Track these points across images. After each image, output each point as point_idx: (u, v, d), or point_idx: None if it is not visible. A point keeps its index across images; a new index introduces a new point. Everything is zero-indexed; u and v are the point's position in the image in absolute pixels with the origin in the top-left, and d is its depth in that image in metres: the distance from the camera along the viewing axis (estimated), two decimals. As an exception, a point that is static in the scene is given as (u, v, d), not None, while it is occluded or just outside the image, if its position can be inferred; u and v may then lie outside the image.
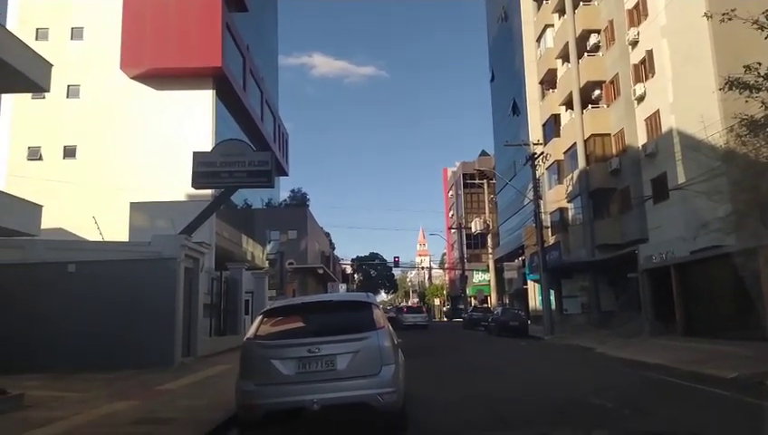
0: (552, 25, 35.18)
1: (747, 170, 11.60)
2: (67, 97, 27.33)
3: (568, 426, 7.37)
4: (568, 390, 10.52)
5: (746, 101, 11.27)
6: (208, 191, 21.79)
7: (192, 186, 17.29)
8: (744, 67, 11.09)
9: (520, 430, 7.32)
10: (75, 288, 13.96)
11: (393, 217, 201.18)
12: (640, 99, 25.33)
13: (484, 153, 67.58)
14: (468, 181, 70.79)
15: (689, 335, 20.25)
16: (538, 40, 37.55)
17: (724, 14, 11.45)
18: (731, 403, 8.73)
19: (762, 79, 10.95)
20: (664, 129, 23.33)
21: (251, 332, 6.66)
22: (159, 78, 26.76)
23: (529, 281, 40.64)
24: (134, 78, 26.97)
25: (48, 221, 18.39)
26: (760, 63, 10.94)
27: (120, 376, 11.86)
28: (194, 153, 17.27)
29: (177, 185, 23.07)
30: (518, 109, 42.37)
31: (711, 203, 12.11)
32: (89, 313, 13.69)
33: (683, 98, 21.67)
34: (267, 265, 35.08)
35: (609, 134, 28.56)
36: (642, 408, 8.49)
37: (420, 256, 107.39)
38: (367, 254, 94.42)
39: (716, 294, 18.64)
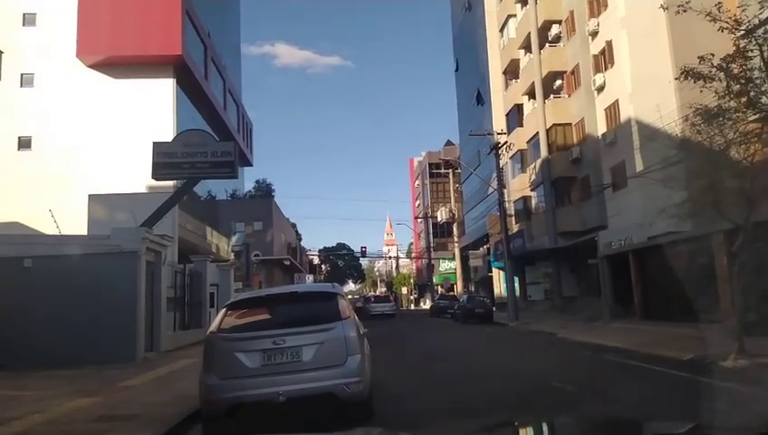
0: (515, 15, 35.47)
1: (702, 158, 11.94)
2: (21, 86, 26.34)
3: (531, 410, 7.53)
4: (531, 374, 10.75)
5: (701, 91, 11.57)
6: (170, 183, 21.36)
7: (152, 177, 16.93)
8: (698, 58, 11.38)
9: (485, 415, 7.44)
10: (32, 284, 13.54)
11: (360, 207, 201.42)
12: (600, 89, 25.82)
13: (449, 143, 67.98)
14: (434, 171, 71.24)
15: (647, 319, 20.87)
16: (501, 30, 37.82)
17: (679, 6, 11.71)
18: (686, 384, 9.04)
19: (715, 69, 11.25)
20: (623, 118, 23.85)
21: (214, 325, 6.60)
22: (118, 66, 26.02)
23: (494, 268, 41.20)
24: (91, 66, 26.15)
25: (2, 215, 17.81)
26: (713, 54, 11.24)
27: (81, 373, 11.59)
28: (154, 143, 16.88)
29: (137, 176, 22.51)
30: (482, 99, 42.70)
31: (667, 190, 12.40)
32: (47, 309, 13.31)
33: (641, 88, 22.16)
34: (233, 257, 34.68)
35: (571, 124, 29.05)
36: (602, 390, 8.73)
37: (387, 245, 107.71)
38: (334, 244, 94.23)
39: (673, 278, 19.19)
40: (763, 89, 11.20)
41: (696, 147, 12.26)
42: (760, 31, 11.48)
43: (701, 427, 2.19)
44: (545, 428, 2.85)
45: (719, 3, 11.56)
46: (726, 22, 11.35)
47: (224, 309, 6.82)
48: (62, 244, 15.31)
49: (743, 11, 11.53)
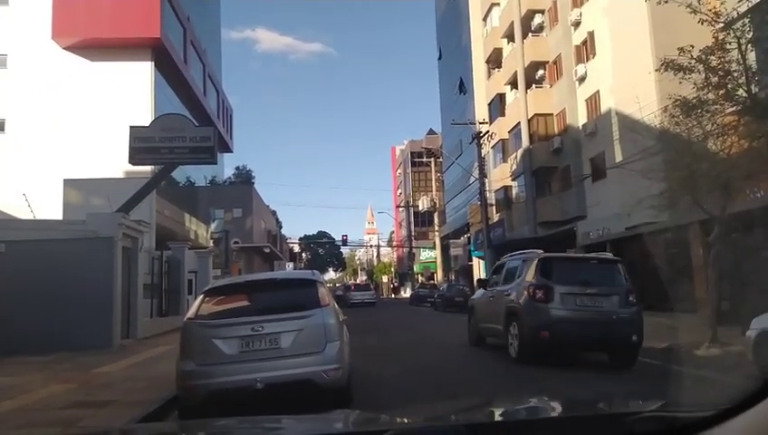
0: (498, 4, 35.47)
1: (680, 150, 12.10)
2: (-7, 67, 25.70)
3: (507, 394, 7.59)
4: (510, 362, 10.81)
5: (680, 83, 11.70)
6: (147, 168, 21.02)
7: (129, 162, 16.63)
8: (678, 49, 11.48)
9: (463, 400, 7.48)
10: (5, 269, 13.25)
11: (341, 195, 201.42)
12: (581, 79, 25.96)
13: (431, 131, 67.99)
14: (416, 159, 71.27)
15: (624, 308, 21.14)
16: (484, 18, 37.81)
17: (661, -3, 11.81)
18: (660, 371, 9.19)
19: (695, 61, 11.37)
20: (603, 109, 24.04)
21: (192, 311, 6.53)
22: (94, 49, 25.45)
23: (474, 258, 41.44)
24: (67, 48, 25.56)
25: (-26, 199, 17.46)
26: (693, 46, 11.35)
27: (56, 359, 11.42)
28: (131, 127, 16.57)
29: (113, 161, 22.12)
30: (465, 87, 42.71)
31: (646, 181, 12.58)
32: (20, 294, 13.06)
33: (622, 79, 22.32)
34: (212, 244, 34.37)
35: (552, 114, 29.22)
36: (579, 377, 8.83)
37: (369, 234, 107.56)
38: (315, 232, 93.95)
39: (650, 268, 19.49)
40: (740, 81, 11.36)
41: (674, 138, 12.42)
42: (738, 24, 11.63)
43: (670, 404, 2.23)
44: (522, 406, 2.86)
45: (700, -6, 11.67)
46: (706, 14, 11.46)
47: (201, 295, 6.74)
48: (36, 229, 15.04)
49: (722, 3, 11.64)
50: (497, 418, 2.57)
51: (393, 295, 72.49)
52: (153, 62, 25.92)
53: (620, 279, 10.35)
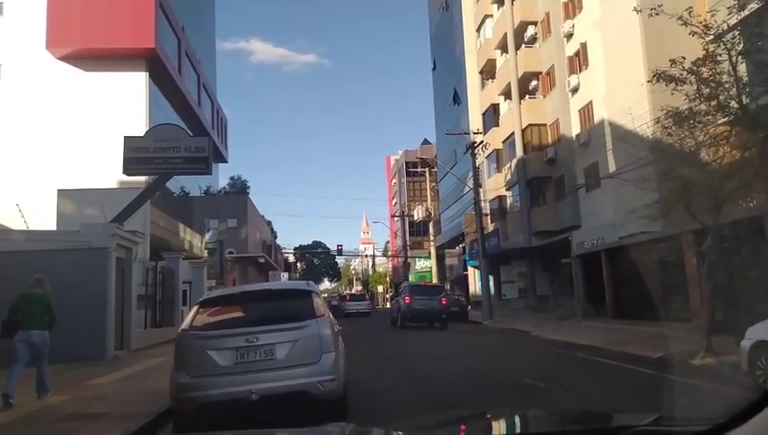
0: (492, 16, 35.71)
1: (673, 160, 12.18)
2: (-13, 77, 25.62)
3: (503, 405, 7.58)
4: (504, 372, 10.83)
5: (672, 94, 11.79)
6: (141, 178, 20.99)
7: (124, 172, 16.58)
8: (670, 61, 11.59)
9: (458, 410, 7.47)
10: (-2, 280, 13.17)
11: (336, 205, 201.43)
12: (574, 90, 26.12)
13: (426, 142, 68.13)
14: (411, 169, 71.33)
15: (618, 317, 21.21)
16: (478, 30, 38.03)
17: (652, 9, 11.92)
18: (655, 381, 9.20)
19: (686, 72, 11.48)
20: (596, 119, 24.17)
21: (186, 322, 6.50)
22: (89, 59, 25.42)
23: (469, 267, 41.45)
24: (61, 58, 25.53)
25: (-34, 209, 17.34)
26: (684, 58, 11.46)
27: (49, 371, 11.26)
28: (125, 138, 16.54)
29: (107, 171, 22.04)
30: (459, 98, 42.87)
31: (639, 191, 12.65)
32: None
33: (615, 90, 22.48)
34: (206, 254, 34.25)
35: (546, 124, 29.35)
36: (573, 386, 8.84)
37: (364, 243, 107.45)
38: (310, 242, 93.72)
39: (644, 277, 19.57)
40: (731, 92, 11.46)
41: (666, 149, 12.50)
42: (728, 36, 11.76)
43: (664, 418, 2.23)
44: (516, 419, 2.86)
45: (690, 7, 11.80)
46: (697, 26, 11.58)
47: (196, 306, 6.71)
48: (29, 239, 14.95)
49: (712, 16, 11.77)
50: (492, 431, 2.57)
51: (390, 305, 72.31)
52: (147, 73, 25.92)
53: (440, 292, 25.43)
